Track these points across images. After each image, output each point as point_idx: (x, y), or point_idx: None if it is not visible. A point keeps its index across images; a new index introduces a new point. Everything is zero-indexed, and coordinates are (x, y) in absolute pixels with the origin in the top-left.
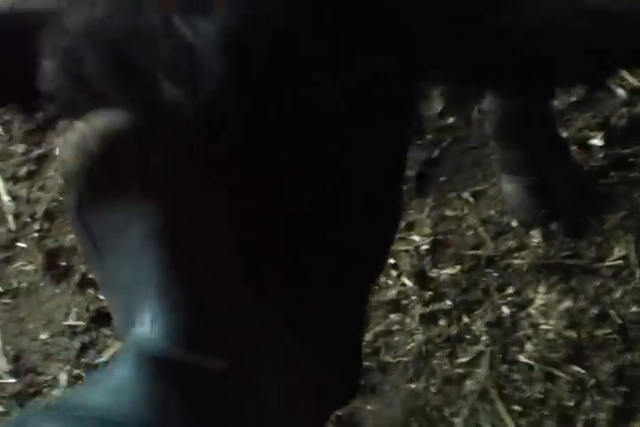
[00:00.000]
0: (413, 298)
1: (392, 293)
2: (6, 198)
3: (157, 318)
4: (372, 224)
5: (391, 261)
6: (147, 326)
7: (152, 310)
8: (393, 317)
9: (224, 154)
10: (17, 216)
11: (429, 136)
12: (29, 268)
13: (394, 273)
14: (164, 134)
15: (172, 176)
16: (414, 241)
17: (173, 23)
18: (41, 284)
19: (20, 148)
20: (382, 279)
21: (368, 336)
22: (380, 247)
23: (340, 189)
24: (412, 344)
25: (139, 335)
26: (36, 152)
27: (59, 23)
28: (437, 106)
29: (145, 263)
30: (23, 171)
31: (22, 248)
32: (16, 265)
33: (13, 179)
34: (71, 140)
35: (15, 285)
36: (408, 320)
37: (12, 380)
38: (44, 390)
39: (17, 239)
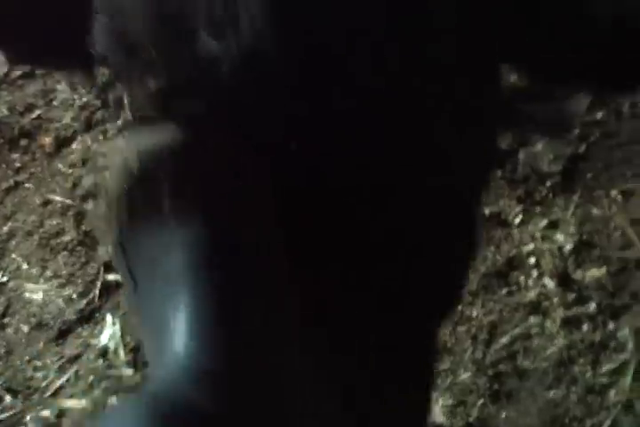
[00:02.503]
0: (555, 300)
1: (532, 294)
2: None
3: (186, 350)
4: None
5: (532, 260)
6: (172, 364)
7: (181, 343)
8: (532, 319)
9: (267, 131)
10: None
11: (577, 131)
12: None
13: (535, 273)
14: (206, 146)
15: (210, 201)
16: (558, 240)
17: None
18: None
19: None
20: (522, 279)
21: (505, 339)
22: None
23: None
24: (552, 349)
25: (157, 382)
26: None
27: None
28: (585, 100)
29: (179, 294)
30: None
31: None
32: None
33: None
34: (114, 162)
35: None
36: (548, 324)
37: (130, 371)
38: None
39: None
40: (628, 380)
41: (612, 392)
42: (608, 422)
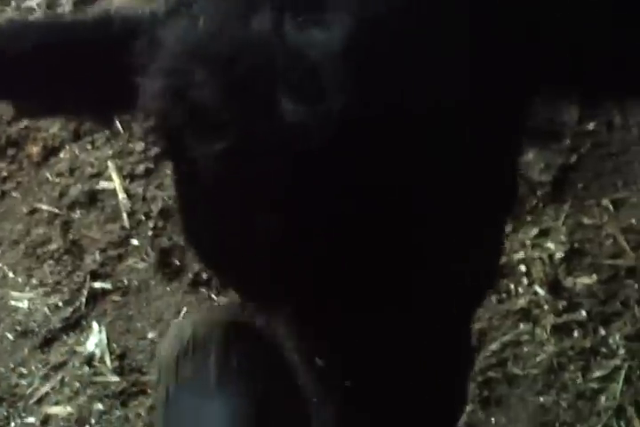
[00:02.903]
0: (545, 308)
1: (522, 301)
2: (122, 196)
3: None
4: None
5: (523, 268)
6: None
7: None
8: (523, 326)
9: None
10: (132, 214)
11: (567, 141)
12: (141, 265)
13: (525, 281)
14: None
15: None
16: (549, 248)
17: (286, 34)
18: (152, 282)
19: (139, 146)
20: (512, 287)
21: (495, 346)
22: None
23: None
24: (543, 356)
25: None
26: (155, 150)
27: (152, 34)
28: (576, 110)
29: None
30: (140, 169)
31: (135, 246)
32: (128, 263)
33: (130, 177)
34: (173, 331)
35: (126, 282)
36: (539, 331)
37: (116, 378)
38: (149, 391)
39: (130, 237)
40: (618, 386)
41: (602, 398)
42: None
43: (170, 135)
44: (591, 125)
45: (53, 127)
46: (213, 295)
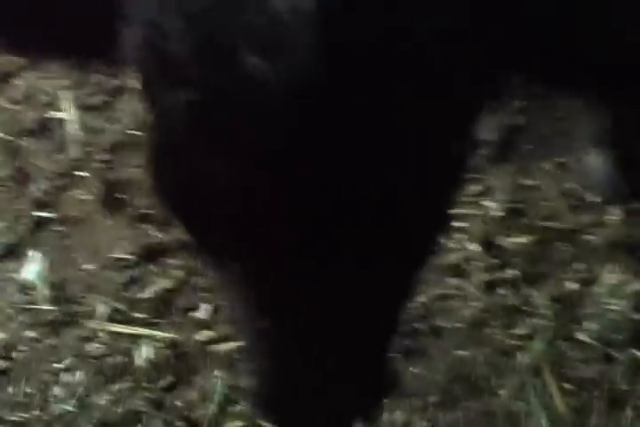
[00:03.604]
0: (477, 264)
1: (454, 257)
2: (74, 126)
3: None
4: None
5: (458, 224)
6: None
7: None
8: (452, 281)
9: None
10: (81, 145)
11: (517, 102)
12: (85, 197)
13: (459, 236)
14: None
15: None
16: (487, 207)
17: None
18: (95, 215)
19: (95, 77)
20: (445, 242)
21: (423, 298)
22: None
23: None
24: (469, 311)
25: None
26: (111, 83)
27: None
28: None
29: None
30: (95, 100)
31: (81, 177)
32: (72, 193)
33: (84, 108)
34: None
35: (69, 213)
36: (467, 286)
37: (50, 307)
38: (81, 321)
39: (78, 168)
40: (539, 345)
41: (520, 355)
42: (514, 382)
43: (145, 83)
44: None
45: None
46: (155, 232)
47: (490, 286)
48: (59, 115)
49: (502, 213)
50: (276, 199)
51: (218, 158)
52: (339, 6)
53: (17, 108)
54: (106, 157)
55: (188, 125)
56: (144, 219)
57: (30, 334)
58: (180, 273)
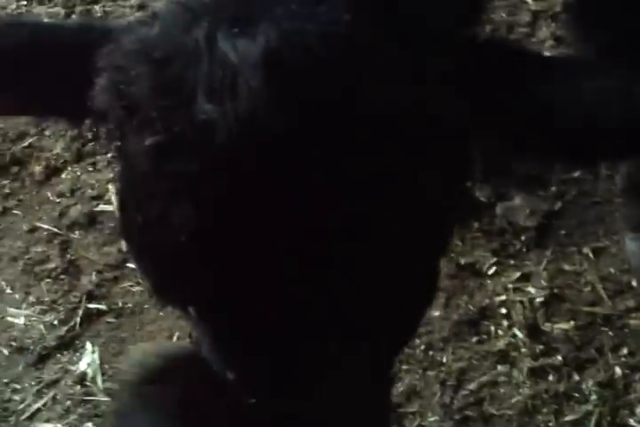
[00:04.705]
0: (523, 351)
1: (501, 343)
2: None
3: None
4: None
5: (503, 310)
6: None
7: None
8: (500, 368)
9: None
10: None
11: (553, 188)
12: (136, 289)
13: (505, 323)
14: None
15: None
16: (529, 293)
17: (217, 41)
18: (146, 306)
19: None
20: (492, 329)
21: (473, 386)
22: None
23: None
24: (518, 398)
25: None
26: None
27: (119, 40)
28: None
29: None
30: None
31: (131, 269)
32: (123, 285)
33: None
34: (136, 356)
35: (120, 304)
36: (515, 373)
37: (106, 398)
38: None
39: (127, 260)
40: None
41: None
42: None
43: (112, 131)
44: (577, 173)
45: (57, 147)
46: None
47: (537, 373)
48: (106, 207)
49: (544, 299)
50: (232, 246)
51: (177, 203)
52: (286, 55)
53: (65, 201)
54: None
55: (151, 167)
56: None
57: (88, 425)
58: None
